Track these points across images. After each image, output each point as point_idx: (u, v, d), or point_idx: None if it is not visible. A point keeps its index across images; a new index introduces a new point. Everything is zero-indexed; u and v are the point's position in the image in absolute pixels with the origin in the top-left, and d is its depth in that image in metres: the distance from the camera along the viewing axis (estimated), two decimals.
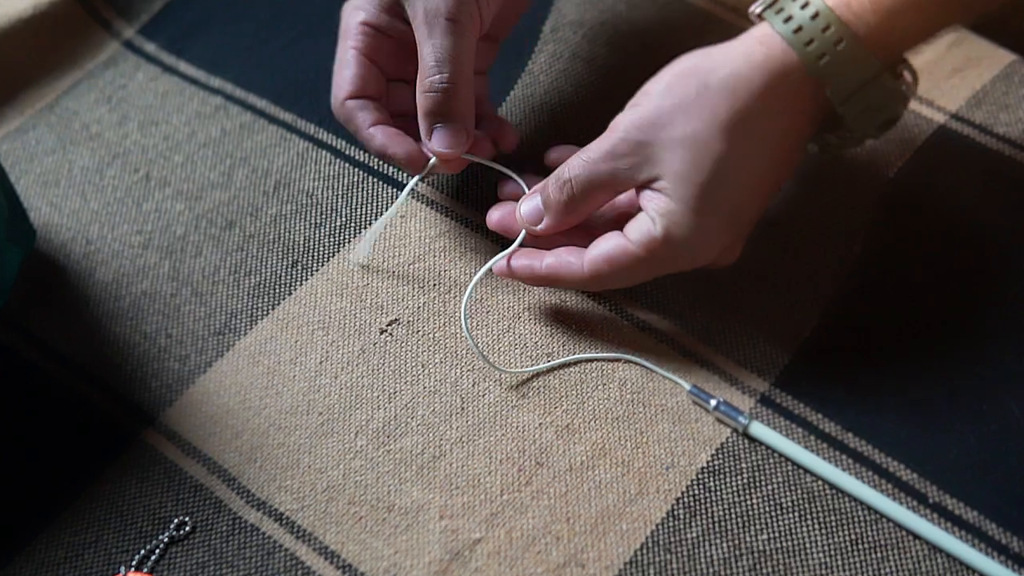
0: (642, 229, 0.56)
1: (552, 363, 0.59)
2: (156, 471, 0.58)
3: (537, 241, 0.60)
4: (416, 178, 0.61)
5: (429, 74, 0.58)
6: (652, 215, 0.55)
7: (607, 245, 0.57)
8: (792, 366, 0.59)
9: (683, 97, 0.54)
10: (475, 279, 0.60)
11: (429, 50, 0.58)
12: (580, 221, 0.59)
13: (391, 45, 0.62)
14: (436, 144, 0.60)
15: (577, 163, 0.57)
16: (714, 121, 0.54)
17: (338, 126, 0.70)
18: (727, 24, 0.72)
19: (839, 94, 0.54)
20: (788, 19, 0.54)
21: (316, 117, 0.71)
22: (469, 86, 0.59)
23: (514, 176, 0.62)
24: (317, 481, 0.57)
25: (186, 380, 0.61)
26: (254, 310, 0.63)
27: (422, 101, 0.59)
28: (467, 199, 0.66)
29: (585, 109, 0.70)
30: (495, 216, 0.61)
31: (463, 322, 0.58)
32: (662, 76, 0.56)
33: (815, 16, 0.54)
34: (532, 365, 0.59)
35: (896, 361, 0.58)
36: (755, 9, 0.56)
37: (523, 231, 0.59)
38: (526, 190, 0.61)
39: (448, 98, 0.58)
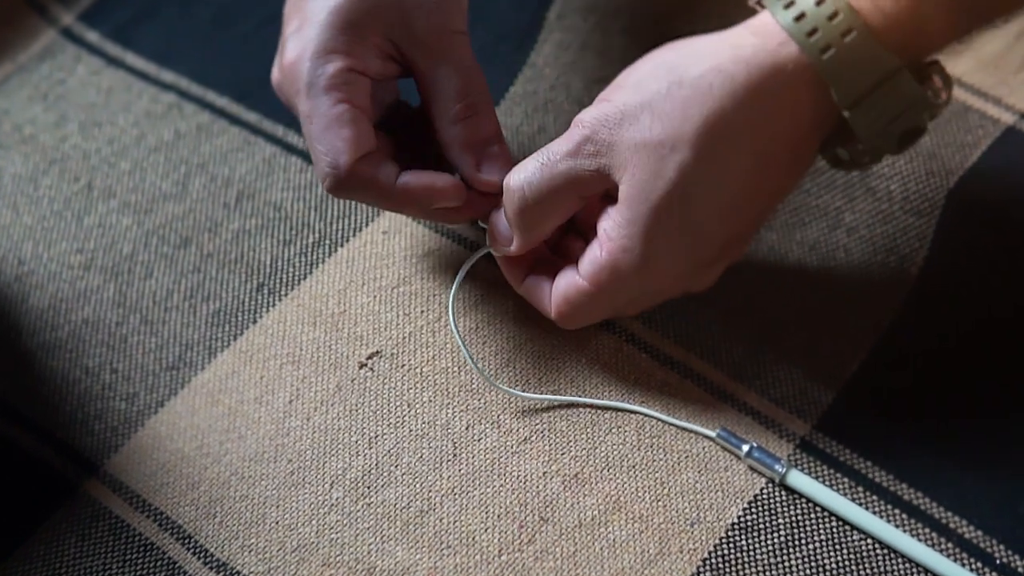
0: (591, 259, 0.56)
1: (555, 397, 0.61)
2: (99, 527, 0.59)
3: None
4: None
5: (461, 97, 0.58)
6: (602, 239, 0.56)
7: (562, 283, 0.58)
8: (836, 406, 0.60)
9: (654, 93, 0.54)
10: (462, 271, 0.60)
11: (447, 73, 0.58)
12: (545, 237, 0.59)
13: (370, 88, 0.60)
14: (492, 174, 0.59)
15: (535, 165, 0.56)
16: (683, 125, 0.53)
17: None
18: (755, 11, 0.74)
19: (846, 97, 0.53)
20: (790, 5, 0.53)
21: (285, 118, 0.73)
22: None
23: None
24: (286, 539, 0.58)
25: (134, 422, 0.62)
26: (213, 341, 0.65)
27: (465, 127, 0.59)
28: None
29: None
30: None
31: (451, 321, 0.59)
32: (638, 66, 0.56)
33: (820, 2, 0.53)
34: (535, 402, 0.61)
35: (957, 401, 0.60)
36: None
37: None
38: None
39: (491, 116, 0.59)
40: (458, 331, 0.61)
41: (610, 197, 0.56)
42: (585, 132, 0.55)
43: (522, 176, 0.56)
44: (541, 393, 0.61)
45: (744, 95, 0.53)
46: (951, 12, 0.53)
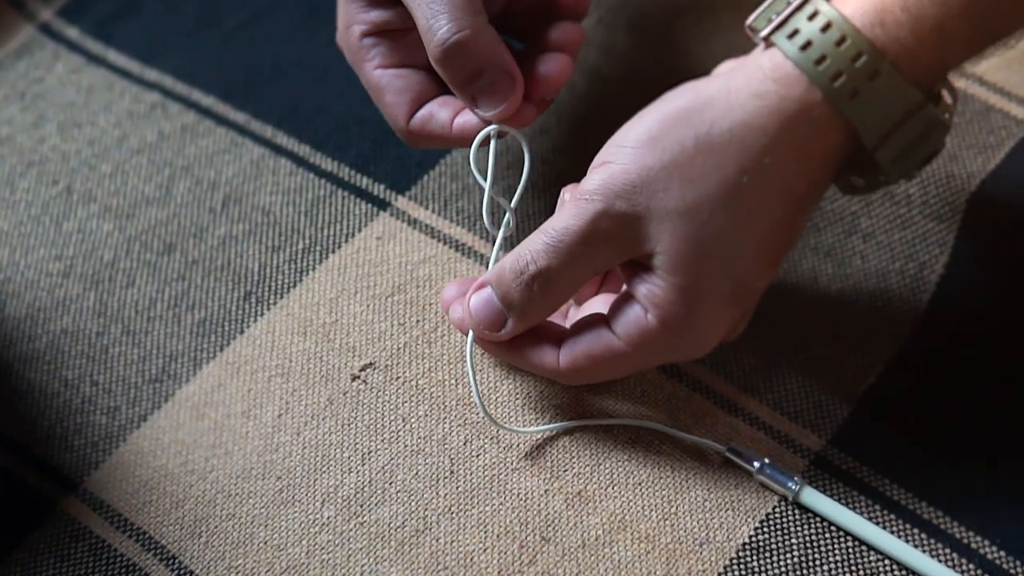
0: (632, 321, 0.55)
1: (557, 425, 0.61)
2: (79, 548, 0.59)
3: None
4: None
5: (433, 36, 0.57)
6: (644, 303, 0.55)
7: (589, 339, 0.57)
8: (853, 420, 0.60)
9: (677, 153, 0.53)
10: (468, 347, 0.60)
11: (421, 10, 0.58)
12: (551, 314, 0.59)
13: (407, 39, 0.62)
14: (487, 111, 0.59)
15: (542, 247, 0.55)
16: (721, 185, 0.53)
17: (301, 128, 0.73)
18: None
19: (872, 137, 0.53)
20: (807, 46, 0.52)
21: (274, 117, 0.74)
22: (486, 28, 0.58)
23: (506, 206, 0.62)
24: (275, 560, 0.58)
25: (115, 437, 0.63)
26: (198, 352, 0.65)
27: (444, 72, 0.59)
28: (457, 216, 0.69)
29: (600, 110, 0.72)
30: (450, 295, 0.61)
31: (469, 368, 0.59)
32: (643, 121, 0.55)
33: (841, 42, 0.52)
34: (536, 422, 0.61)
35: (980, 415, 0.60)
36: (763, 33, 0.54)
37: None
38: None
39: (468, 50, 0.58)
40: (476, 384, 0.60)
41: (635, 262, 0.55)
42: (597, 207, 0.54)
43: (522, 261, 0.55)
44: (544, 415, 0.61)
45: (778, 147, 0.53)
46: (970, 38, 0.53)
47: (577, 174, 0.69)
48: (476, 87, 0.59)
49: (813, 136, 0.53)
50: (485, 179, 0.60)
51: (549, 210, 0.67)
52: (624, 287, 0.57)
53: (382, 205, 0.69)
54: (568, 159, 0.70)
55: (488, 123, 0.60)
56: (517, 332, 0.58)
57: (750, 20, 0.55)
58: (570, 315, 0.62)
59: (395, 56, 0.62)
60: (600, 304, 0.60)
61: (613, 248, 0.55)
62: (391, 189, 0.70)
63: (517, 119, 0.60)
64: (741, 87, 0.53)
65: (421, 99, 0.62)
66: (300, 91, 0.75)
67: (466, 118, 0.61)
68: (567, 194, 0.57)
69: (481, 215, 0.66)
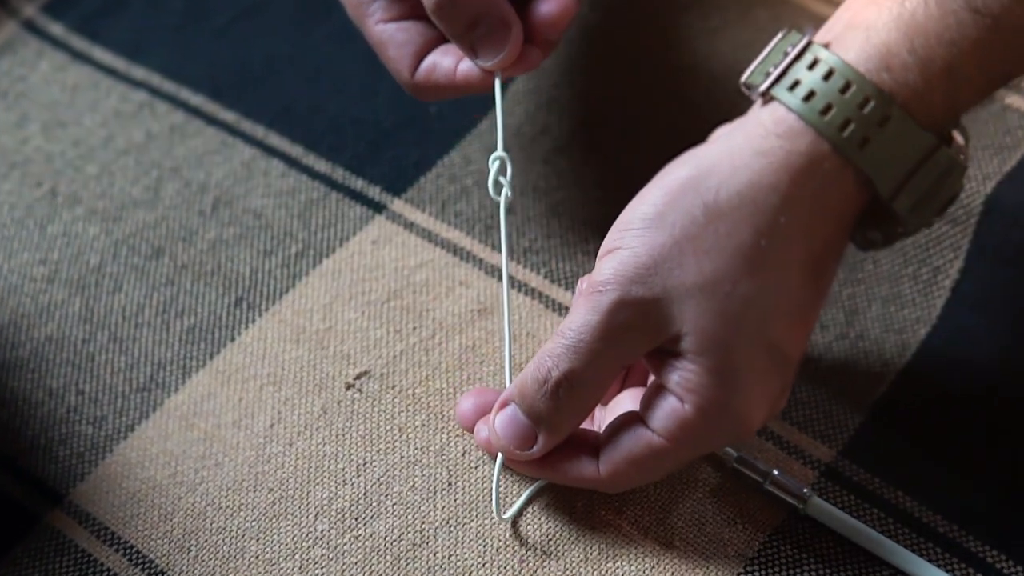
0: (668, 414, 0.53)
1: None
2: (64, 563, 0.59)
3: None
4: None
5: None
6: (678, 392, 0.53)
7: (627, 442, 0.55)
8: (864, 431, 0.60)
9: (687, 225, 0.52)
10: (496, 469, 0.59)
11: None
12: (583, 421, 0.57)
13: None
14: (487, 60, 0.60)
15: (563, 351, 0.53)
16: (737, 252, 0.51)
17: (294, 128, 0.73)
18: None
19: (888, 186, 0.52)
20: (810, 96, 0.52)
21: (266, 117, 0.74)
22: None
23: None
24: (267, 575, 0.58)
25: (102, 448, 0.63)
26: (187, 360, 0.65)
27: (440, 24, 0.60)
28: (455, 219, 0.69)
29: (602, 108, 0.72)
30: (467, 408, 0.60)
31: (494, 492, 0.58)
32: (647, 198, 0.53)
33: (846, 89, 0.51)
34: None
35: (995, 424, 0.60)
36: (761, 88, 0.53)
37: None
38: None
39: (461, 0, 0.59)
40: (497, 502, 0.59)
41: (661, 350, 0.54)
42: (613, 297, 0.52)
43: (543, 369, 0.54)
44: None
45: (791, 205, 0.51)
46: (980, 79, 0.52)
47: (578, 174, 0.69)
48: (473, 37, 0.60)
49: (826, 190, 0.52)
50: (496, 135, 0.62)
51: (552, 212, 0.68)
52: (652, 378, 0.55)
53: (378, 208, 0.69)
54: (569, 159, 0.70)
55: (491, 72, 0.61)
56: (549, 447, 0.56)
57: (745, 77, 0.54)
58: (597, 417, 0.60)
59: (396, 9, 0.62)
60: (629, 401, 0.58)
61: (636, 338, 0.53)
62: (387, 191, 0.70)
63: (521, 64, 0.61)
64: (743, 147, 0.52)
65: (424, 50, 0.62)
66: (293, 90, 0.75)
67: (469, 64, 0.61)
68: (584, 283, 0.55)
69: (480, 217, 0.66)
